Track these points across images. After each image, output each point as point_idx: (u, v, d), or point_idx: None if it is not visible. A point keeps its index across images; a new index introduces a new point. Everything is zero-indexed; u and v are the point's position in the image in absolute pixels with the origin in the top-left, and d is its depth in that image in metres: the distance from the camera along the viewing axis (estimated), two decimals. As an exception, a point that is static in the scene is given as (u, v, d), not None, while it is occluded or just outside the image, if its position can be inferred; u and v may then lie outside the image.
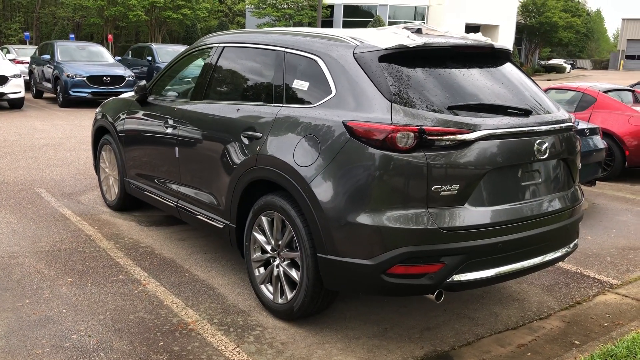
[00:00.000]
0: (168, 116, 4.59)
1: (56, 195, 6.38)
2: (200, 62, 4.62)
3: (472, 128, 2.98)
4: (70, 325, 3.45)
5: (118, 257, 4.59)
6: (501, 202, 3.14)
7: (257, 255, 3.75)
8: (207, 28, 47.23)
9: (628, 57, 69.38)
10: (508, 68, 3.63)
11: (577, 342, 3.45)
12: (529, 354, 3.31)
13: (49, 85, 16.05)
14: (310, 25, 41.06)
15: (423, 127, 2.92)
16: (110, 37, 35.98)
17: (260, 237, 3.69)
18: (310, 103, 3.40)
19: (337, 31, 3.69)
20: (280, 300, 3.57)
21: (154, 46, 18.03)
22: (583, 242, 5.22)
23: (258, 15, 40.10)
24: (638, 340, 3.14)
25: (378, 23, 25.69)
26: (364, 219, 3.00)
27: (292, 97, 3.55)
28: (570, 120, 3.51)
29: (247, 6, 45.26)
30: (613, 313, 3.87)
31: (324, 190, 3.12)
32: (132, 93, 5.71)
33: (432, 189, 2.94)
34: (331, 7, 40.69)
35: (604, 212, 6.51)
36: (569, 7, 50.97)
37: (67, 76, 14.91)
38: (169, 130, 4.54)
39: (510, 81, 3.50)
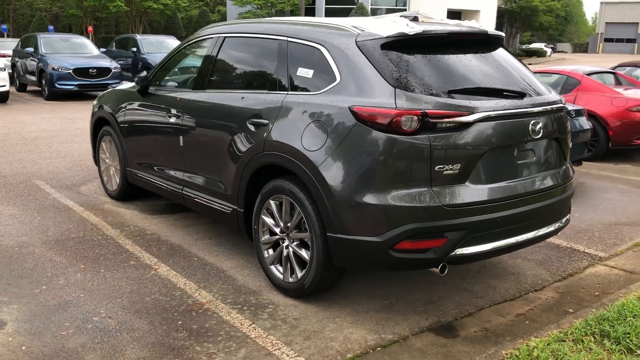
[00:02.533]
0: (171, 106, 4.71)
1: (56, 186, 6.47)
2: (200, 53, 4.74)
3: (471, 110, 3.17)
4: (89, 309, 3.60)
5: (126, 244, 4.73)
6: (499, 180, 3.34)
7: (265, 237, 3.91)
8: (188, 18, 46.98)
9: (607, 40, 70.17)
10: (501, 53, 3.81)
11: (571, 310, 3.67)
12: (527, 322, 3.52)
13: (33, 78, 15.97)
14: (292, 13, 40.97)
15: (426, 111, 3.10)
16: (90, 28, 35.65)
17: (269, 220, 3.85)
18: (316, 90, 3.56)
19: (339, 20, 3.84)
20: (290, 279, 3.74)
21: (138, 37, 17.97)
22: (572, 219, 5.44)
23: (239, 4, 39.89)
24: (628, 305, 3.37)
25: (361, 10, 25.80)
26: (371, 198, 3.18)
27: (297, 85, 3.71)
28: (561, 101, 3.71)
29: (228, -5, 45.07)
30: (603, 283, 4.10)
31: (332, 173, 3.29)
32: (131, 84, 5.83)
33: (435, 168, 3.12)
34: (312, -6, 40.61)
35: (590, 191, 6.77)
36: (548, -9, 51.41)
37: (53, 69, 14.85)
38: (172, 120, 4.66)
39: (503, 65, 3.68)
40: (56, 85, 14.87)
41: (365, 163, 3.20)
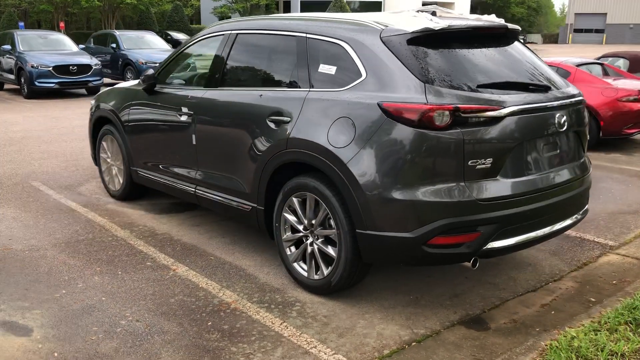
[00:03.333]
0: (181, 104, 4.64)
1: (54, 187, 6.34)
2: (211, 50, 4.68)
3: (501, 105, 3.19)
4: (115, 312, 3.54)
5: (139, 245, 4.66)
6: (526, 173, 3.37)
7: (287, 235, 3.89)
8: (161, 12, 46.34)
9: (576, 30, 71.28)
10: (519, 47, 3.85)
11: (593, 300, 3.74)
12: (553, 312, 3.57)
13: (11, 76, 15.60)
14: (267, 7, 40.79)
15: (458, 105, 3.11)
16: (62, 24, 34.92)
17: (291, 218, 3.84)
18: (340, 86, 3.54)
19: (358, 16, 3.83)
20: (315, 277, 3.73)
21: (117, 33, 17.65)
22: (576, 208, 5.55)
23: (214, -1, 39.59)
24: (653, 294, 3.44)
25: (339, 4, 25.78)
26: (403, 194, 3.18)
27: (319, 81, 3.68)
28: (580, 94, 3.76)
29: (202, -11, 44.64)
30: (618, 272, 4.18)
31: (362, 170, 3.28)
32: (133, 82, 5.73)
33: (469, 163, 3.14)
34: (288, -12, 40.44)
35: (587, 180, 6.88)
36: (520, -17, 51.96)
37: (32, 67, 14.53)
38: (184, 118, 4.60)
39: (522, 59, 3.72)
40: (36, 83, 14.55)
41: (396, 159, 3.20)
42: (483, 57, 3.52)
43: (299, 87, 3.79)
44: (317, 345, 3.18)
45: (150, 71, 5.02)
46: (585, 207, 3.89)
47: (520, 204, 3.30)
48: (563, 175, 3.57)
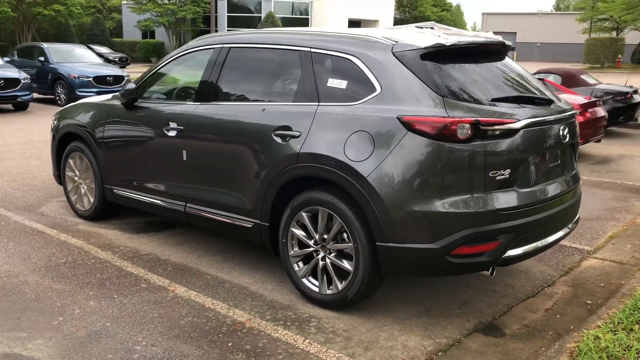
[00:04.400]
0: (169, 119, 4.50)
1: (11, 208, 5.95)
2: (198, 64, 4.58)
3: (517, 118, 3.32)
4: (125, 338, 3.37)
5: (126, 266, 4.46)
6: (537, 183, 3.52)
7: (295, 250, 3.85)
8: (80, 25, 44.72)
9: (490, 47, 74.77)
10: (510, 62, 4.02)
11: (589, 302, 3.93)
12: (558, 316, 3.73)
13: None
14: (193, 21, 40.28)
15: (478, 119, 3.21)
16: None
17: (299, 233, 3.80)
18: (352, 101, 3.57)
19: (363, 31, 3.87)
20: (328, 291, 3.71)
21: (45, 46, 16.82)
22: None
23: (138, 11, 38.64)
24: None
25: (271, 19, 25.78)
26: (427, 206, 3.24)
27: (328, 96, 3.69)
28: (572, 108, 3.98)
29: (124, 1, 43.47)
30: (602, 275, 4.42)
31: (383, 183, 3.31)
32: (106, 97, 5.51)
33: (489, 174, 3.25)
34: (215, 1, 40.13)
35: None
36: (438, 2, 54.18)
37: (-46, 81, 13.59)
38: (172, 134, 4.46)
39: (519, 73, 3.89)
40: (-42, 98, 13.61)
41: (419, 171, 3.25)
42: (487, 72, 3.66)
43: (306, 102, 3.77)
44: (347, 360, 3.16)
45: (131, 85, 4.83)
46: (577, 216, 4.09)
47: (532, 213, 3.44)
48: (563, 185, 3.75)
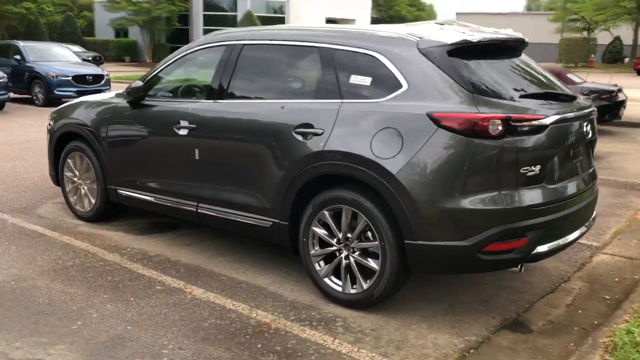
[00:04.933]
0: (180, 117, 4.41)
1: (6, 211, 5.77)
2: (209, 62, 4.49)
3: (546, 114, 3.32)
4: (149, 341, 3.28)
5: (137, 268, 4.35)
6: (563, 180, 3.53)
7: (316, 249, 3.80)
8: (50, 23, 43.84)
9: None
10: (527, 58, 4.02)
11: (607, 297, 3.97)
12: (580, 311, 3.75)
13: None
14: (168, 20, 39.81)
15: (510, 115, 3.20)
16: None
17: (321, 231, 3.75)
18: (377, 97, 3.53)
19: (383, 27, 3.85)
20: (352, 290, 3.66)
21: (21, 44, 16.38)
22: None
23: (112, 10, 38.02)
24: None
25: (250, 18, 25.54)
26: (458, 203, 3.22)
27: (351, 93, 3.65)
28: (592, 105, 4.00)
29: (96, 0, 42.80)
30: (615, 270, 4.46)
31: (413, 180, 3.28)
32: (108, 95, 5.39)
33: (521, 170, 3.24)
34: (189, 0, 39.69)
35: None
36: (413, 2, 54.57)
37: None
38: (183, 132, 4.37)
39: (539, 70, 3.90)
40: None
41: (450, 168, 3.23)
42: (510, 68, 3.66)
43: (328, 98, 3.72)
44: (382, 359, 3.12)
45: (138, 83, 4.72)
46: (594, 214, 4.10)
47: (558, 210, 3.45)
48: (583, 182, 3.77)
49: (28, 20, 37.86)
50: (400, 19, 52.65)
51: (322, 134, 3.64)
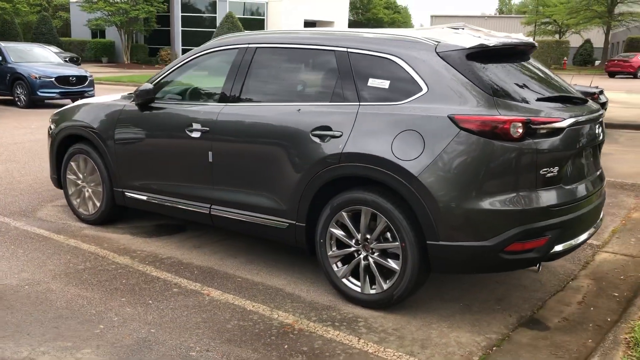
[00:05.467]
0: (192, 120, 4.41)
1: (6, 214, 5.69)
2: (221, 65, 4.51)
3: (563, 117, 3.42)
4: (175, 344, 3.29)
5: (150, 270, 4.34)
6: (577, 181, 3.62)
7: (334, 250, 3.84)
8: (24, 23, 43.12)
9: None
10: (535, 62, 4.13)
11: (616, 294, 4.08)
12: (592, 308, 3.86)
13: None
14: (146, 21, 39.47)
15: (530, 118, 3.29)
16: None
17: (339, 232, 3.80)
18: (397, 100, 3.59)
19: (400, 31, 3.91)
20: (371, 291, 3.71)
21: (2, 45, 16.08)
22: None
23: (88, 10, 37.52)
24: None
25: (231, 19, 25.47)
26: (481, 204, 3.29)
27: (369, 96, 3.70)
28: (601, 108, 4.11)
29: (72, 0, 42.20)
30: (618, 268, 4.59)
31: (435, 181, 3.34)
32: (113, 97, 5.36)
33: (540, 172, 3.33)
34: (167, 1, 39.38)
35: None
36: (389, 4, 54.97)
37: None
38: (196, 135, 4.37)
39: (547, 73, 4.00)
40: None
41: (472, 170, 3.31)
42: (523, 72, 3.75)
43: (346, 101, 3.77)
44: (407, 358, 3.18)
45: (148, 86, 4.70)
46: (602, 215, 4.19)
47: (574, 210, 3.54)
48: (595, 183, 3.87)
49: (3, 20, 37.20)
50: (377, 22, 53.00)
51: (340, 136, 3.69)
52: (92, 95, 15.93)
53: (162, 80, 4.80)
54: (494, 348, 3.31)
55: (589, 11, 46.06)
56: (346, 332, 3.46)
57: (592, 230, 3.90)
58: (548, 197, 3.38)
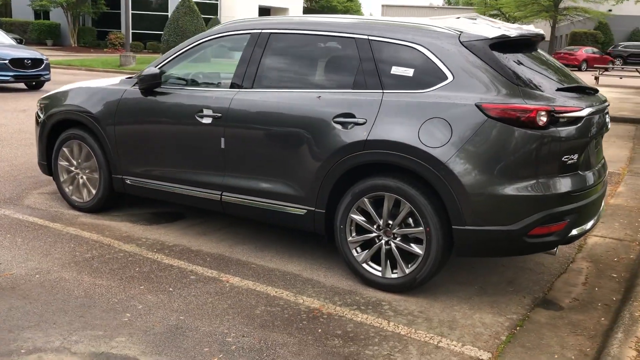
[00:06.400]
0: (203, 106, 4.36)
1: (-10, 202, 5.48)
2: (234, 50, 4.48)
3: (582, 106, 3.57)
4: (209, 330, 3.28)
5: (161, 258, 4.29)
6: (589, 168, 3.79)
7: (354, 236, 3.90)
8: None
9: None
10: (542, 52, 4.27)
11: (614, 275, 4.31)
12: (597, 289, 4.06)
13: None
14: (94, 2, 38.14)
15: (554, 107, 3.42)
16: None
17: (359, 218, 3.85)
18: (422, 88, 3.66)
19: (421, 20, 3.98)
20: (392, 275, 3.80)
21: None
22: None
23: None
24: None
25: (188, 4, 24.84)
26: (507, 190, 3.42)
27: (393, 83, 3.76)
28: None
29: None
30: (610, 250, 4.83)
31: (463, 168, 3.44)
32: (111, 81, 5.22)
33: (562, 159, 3.47)
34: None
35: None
36: (342, -8, 55.06)
37: None
38: (207, 121, 4.33)
39: (558, 64, 4.15)
40: None
41: (499, 157, 3.42)
42: (539, 63, 3.89)
43: (368, 89, 3.82)
44: (441, 339, 3.28)
45: (153, 70, 4.60)
46: (604, 204, 4.35)
47: (588, 196, 3.71)
48: (600, 171, 4.05)
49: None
50: (331, 9, 52.98)
51: (364, 123, 3.73)
52: (48, 80, 15.39)
53: (167, 65, 4.71)
54: (517, 328, 3.46)
55: (536, 4, 47.38)
56: (374, 315, 3.53)
57: (597, 216, 4.09)
58: (568, 183, 3.53)
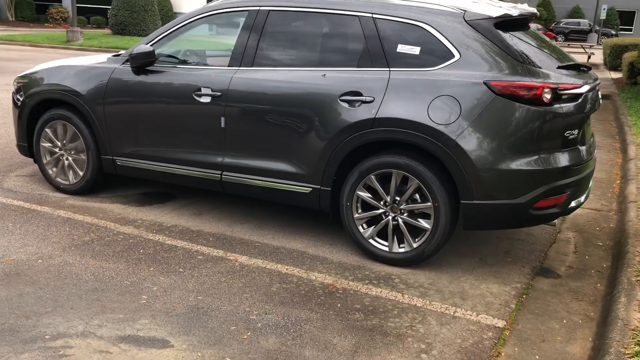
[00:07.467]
0: (201, 84, 4.30)
1: (-33, 186, 5.27)
2: (228, 27, 4.41)
3: (581, 83, 3.72)
4: (231, 309, 3.30)
5: (163, 239, 4.25)
6: (584, 144, 3.97)
7: (360, 213, 3.97)
8: None
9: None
10: (535, 30, 4.40)
11: (600, 244, 4.56)
12: (587, 257, 4.29)
13: None
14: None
15: (558, 84, 3.56)
16: None
17: (366, 195, 3.93)
18: (429, 66, 3.73)
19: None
20: (400, 250, 3.90)
21: None
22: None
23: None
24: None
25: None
26: (515, 165, 3.55)
27: (399, 62, 3.81)
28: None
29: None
30: (590, 220, 5.09)
31: (472, 144, 3.55)
32: (98, 58, 5.07)
33: (565, 134, 3.63)
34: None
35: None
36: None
37: None
38: (205, 100, 4.28)
39: (552, 43, 4.29)
40: None
41: (507, 133, 3.54)
42: (537, 41, 4.02)
43: (375, 67, 3.86)
44: (456, 310, 3.41)
45: (145, 47, 4.49)
46: (592, 182, 4.55)
47: (584, 169, 3.89)
48: (592, 147, 4.23)
49: None
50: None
51: (372, 101, 3.78)
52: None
53: (159, 42, 4.61)
54: (524, 296, 3.63)
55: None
56: (387, 289, 3.63)
57: (588, 190, 4.29)
58: (568, 158, 3.70)
